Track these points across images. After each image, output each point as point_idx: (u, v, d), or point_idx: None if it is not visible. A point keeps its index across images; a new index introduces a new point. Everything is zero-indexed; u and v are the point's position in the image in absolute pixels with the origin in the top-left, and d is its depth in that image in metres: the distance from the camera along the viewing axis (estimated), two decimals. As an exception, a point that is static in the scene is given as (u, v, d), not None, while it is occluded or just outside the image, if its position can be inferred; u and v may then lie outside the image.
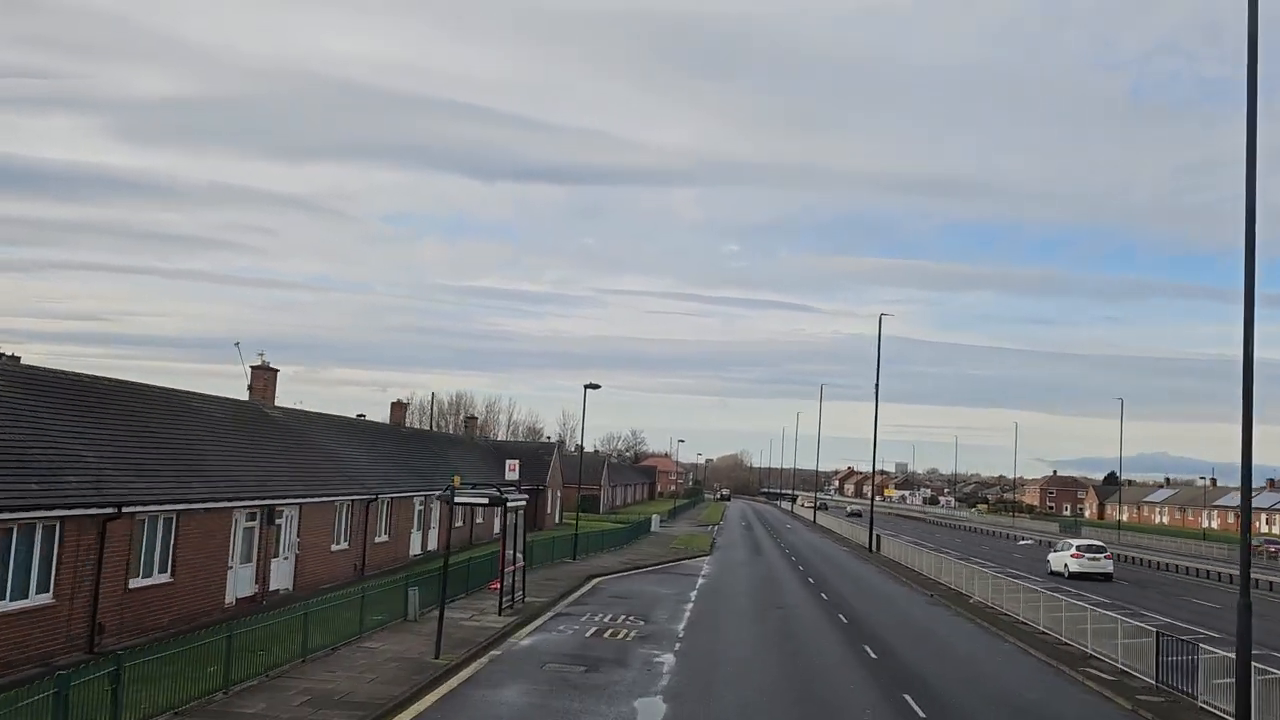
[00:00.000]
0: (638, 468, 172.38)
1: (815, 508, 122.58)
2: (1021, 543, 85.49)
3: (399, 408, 52.29)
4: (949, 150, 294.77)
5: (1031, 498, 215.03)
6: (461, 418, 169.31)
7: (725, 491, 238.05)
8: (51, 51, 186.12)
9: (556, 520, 75.74)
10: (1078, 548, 53.67)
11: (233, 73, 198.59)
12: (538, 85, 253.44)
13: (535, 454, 71.50)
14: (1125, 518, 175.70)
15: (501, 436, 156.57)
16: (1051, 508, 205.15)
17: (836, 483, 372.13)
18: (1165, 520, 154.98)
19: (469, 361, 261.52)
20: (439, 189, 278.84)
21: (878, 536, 65.94)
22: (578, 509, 59.20)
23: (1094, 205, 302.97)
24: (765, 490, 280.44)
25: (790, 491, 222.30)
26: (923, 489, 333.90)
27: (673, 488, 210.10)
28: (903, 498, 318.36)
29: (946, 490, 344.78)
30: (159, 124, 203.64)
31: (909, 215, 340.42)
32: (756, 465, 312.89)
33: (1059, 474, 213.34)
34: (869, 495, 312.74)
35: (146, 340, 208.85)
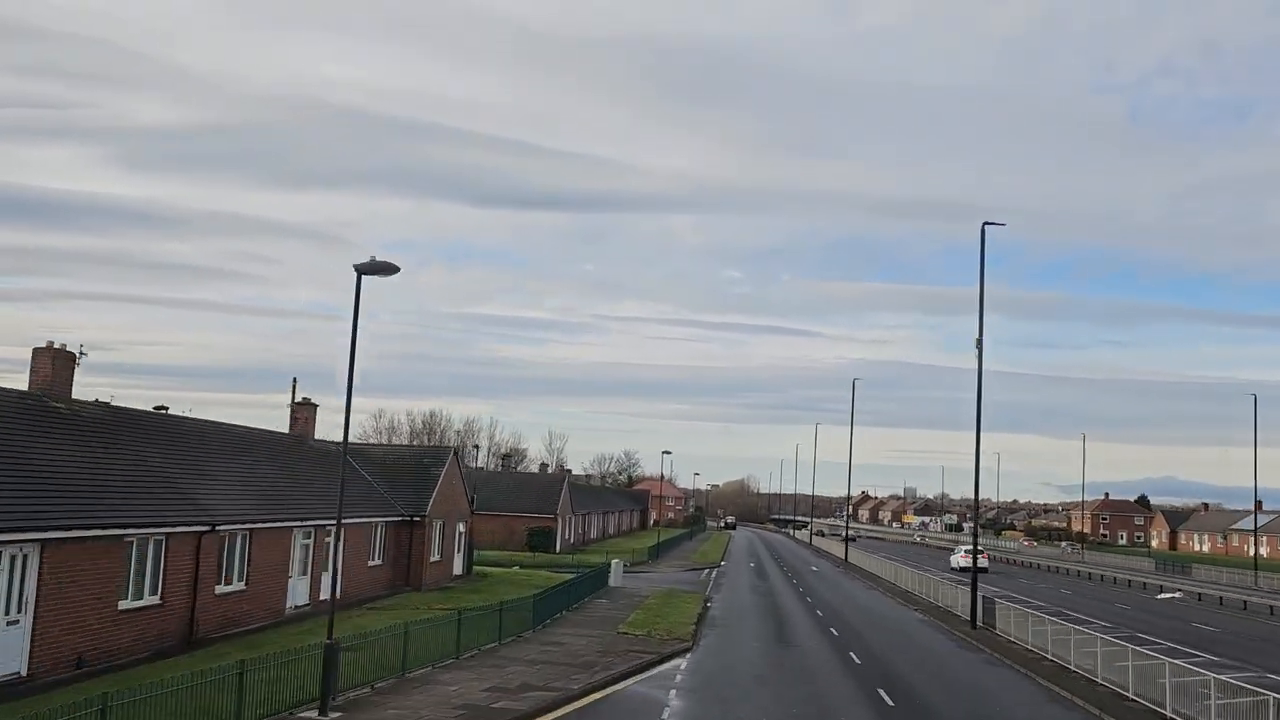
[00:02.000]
0: (626, 492, 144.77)
1: (846, 539, 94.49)
2: (1163, 597, 57.76)
3: (49, 358, 25.08)
4: (949, 174, 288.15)
5: (1080, 524, 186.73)
6: (439, 436, 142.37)
7: (730, 519, 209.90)
8: (53, 81, 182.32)
9: (460, 571, 48.13)
10: (964, 550, 78.94)
11: (234, 101, 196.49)
12: (538, 112, 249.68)
13: (413, 465, 43.88)
14: (1208, 548, 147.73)
15: (481, 460, 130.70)
16: (1105, 535, 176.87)
17: (850, 508, 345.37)
18: (1265, 552, 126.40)
19: (471, 388, 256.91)
20: (440, 216, 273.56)
21: (985, 601, 38.40)
22: (453, 550, 31.83)
23: (1095, 228, 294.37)
24: (775, 517, 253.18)
25: (807, 519, 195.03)
26: (947, 515, 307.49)
27: (670, 515, 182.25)
28: (923, 524, 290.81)
29: (969, 516, 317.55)
30: (161, 153, 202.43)
31: (910, 239, 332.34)
32: (764, 490, 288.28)
33: (1111, 497, 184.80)
34: (886, 521, 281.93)
35: (152, 370, 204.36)
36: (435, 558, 42.63)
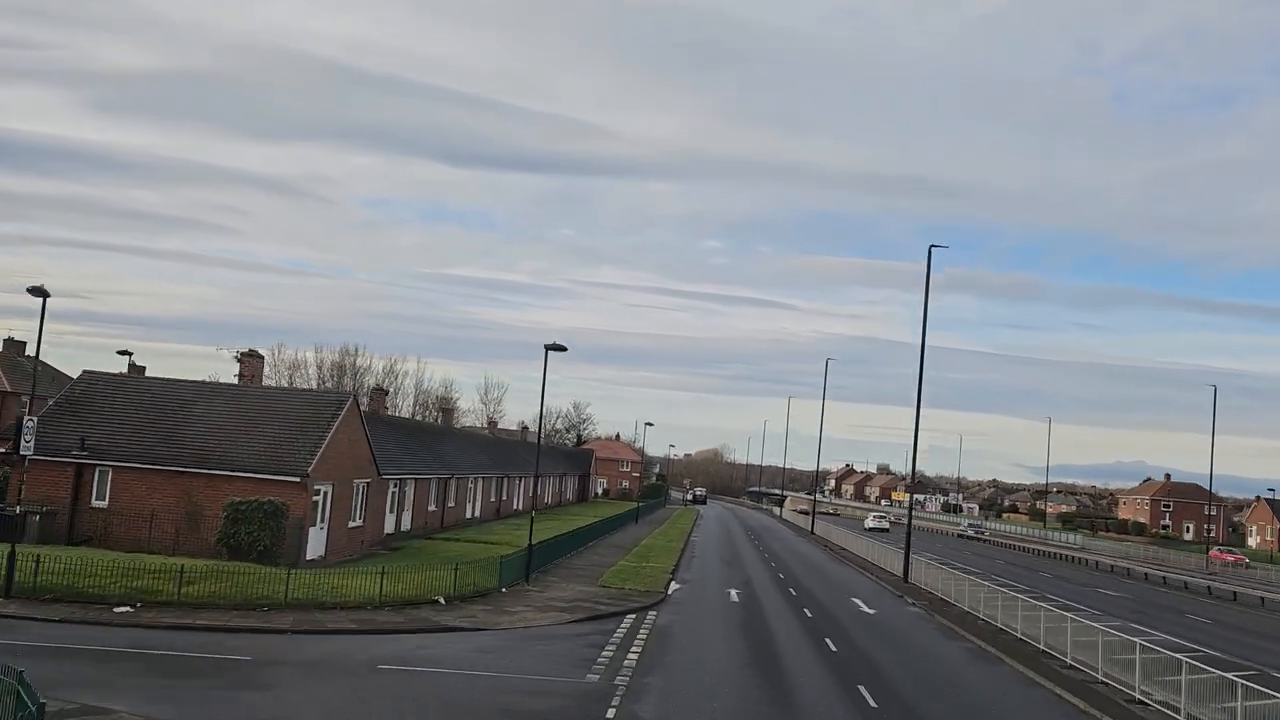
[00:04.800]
0: (555, 450, 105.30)
1: (909, 541, 54.72)
2: None
3: None
4: (929, 152, 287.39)
5: (1132, 512, 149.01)
6: (360, 388, 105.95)
7: (699, 491, 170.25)
8: (22, 21, 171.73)
9: None
10: (873, 515, 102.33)
11: (208, 48, 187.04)
12: (519, 73, 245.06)
13: None
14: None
15: (405, 411, 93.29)
16: (1167, 527, 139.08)
17: (833, 483, 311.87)
18: None
19: (448, 350, 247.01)
20: (418, 175, 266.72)
21: None
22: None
23: (1074, 211, 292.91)
24: (752, 490, 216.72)
25: (785, 493, 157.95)
26: (941, 495, 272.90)
27: (624, 484, 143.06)
28: (920, 503, 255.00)
29: (962, 496, 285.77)
30: (132, 98, 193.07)
31: (886, 215, 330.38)
32: (741, 461, 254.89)
33: (1172, 479, 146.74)
34: (873, 499, 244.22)
35: (122, 319, 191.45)
36: None
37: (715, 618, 29.59)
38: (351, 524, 36.00)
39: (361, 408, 36.21)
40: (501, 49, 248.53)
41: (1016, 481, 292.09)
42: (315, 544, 32.77)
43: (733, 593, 35.93)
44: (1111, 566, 66.81)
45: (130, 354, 55.99)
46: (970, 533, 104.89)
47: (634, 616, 28.06)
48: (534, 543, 34.67)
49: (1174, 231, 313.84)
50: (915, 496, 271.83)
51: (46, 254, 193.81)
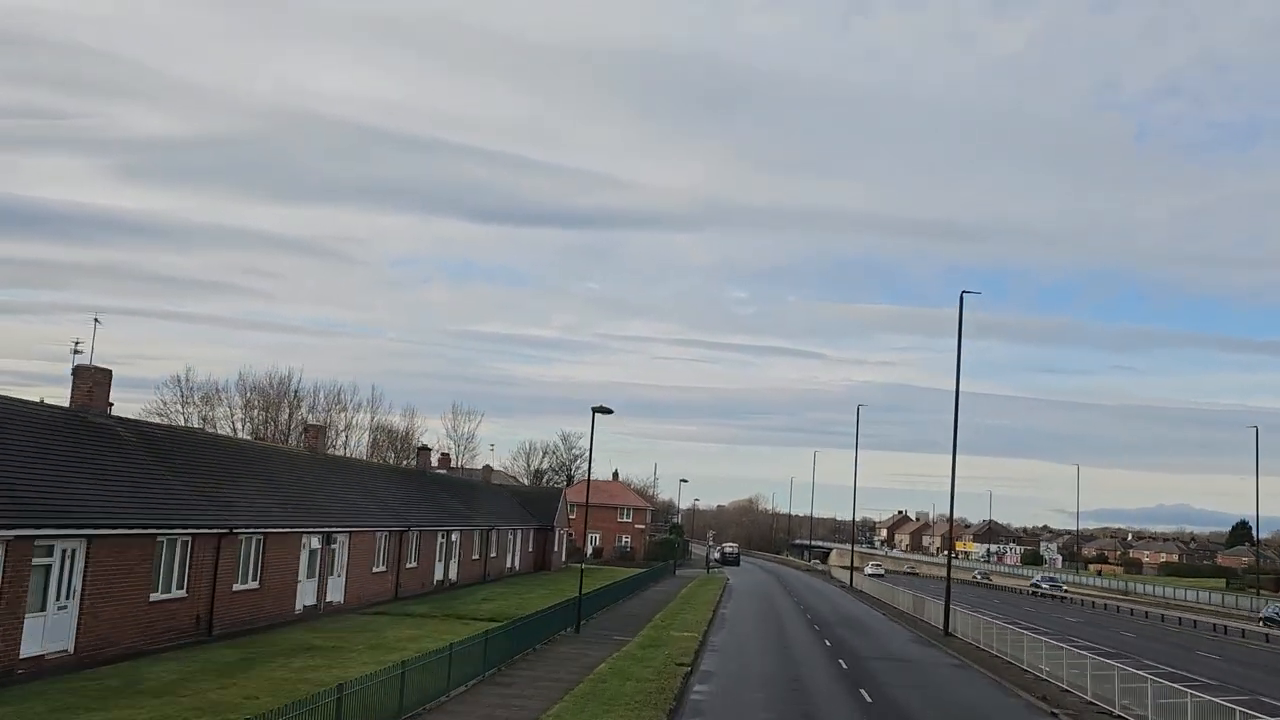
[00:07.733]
0: (509, 490, 64.31)
1: None
2: None
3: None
4: (954, 194, 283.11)
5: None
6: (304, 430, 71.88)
7: (729, 549, 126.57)
8: (50, 90, 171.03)
9: None
10: (872, 564, 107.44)
11: (232, 112, 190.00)
12: (538, 126, 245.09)
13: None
14: None
15: (360, 452, 55.00)
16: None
17: (884, 533, 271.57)
18: None
19: (479, 407, 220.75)
20: (443, 232, 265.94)
21: None
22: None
23: (1101, 251, 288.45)
24: (796, 543, 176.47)
25: (826, 545, 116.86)
26: (1016, 544, 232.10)
27: (624, 540, 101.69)
28: (993, 554, 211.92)
29: (1058, 545, 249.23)
30: (161, 165, 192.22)
31: (913, 260, 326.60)
32: (781, 511, 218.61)
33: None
34: (934, 550, 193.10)
35: (154, 384, 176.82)
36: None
37: None
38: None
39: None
40: (521, 105, 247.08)
41: (1062, 527, 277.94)
42: None
43: None
44: None
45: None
46: (1045, 588, 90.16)
47: None
48: None
49: (1204, 268, 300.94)
50: (987, 546, 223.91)
51: (82, 321, 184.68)
